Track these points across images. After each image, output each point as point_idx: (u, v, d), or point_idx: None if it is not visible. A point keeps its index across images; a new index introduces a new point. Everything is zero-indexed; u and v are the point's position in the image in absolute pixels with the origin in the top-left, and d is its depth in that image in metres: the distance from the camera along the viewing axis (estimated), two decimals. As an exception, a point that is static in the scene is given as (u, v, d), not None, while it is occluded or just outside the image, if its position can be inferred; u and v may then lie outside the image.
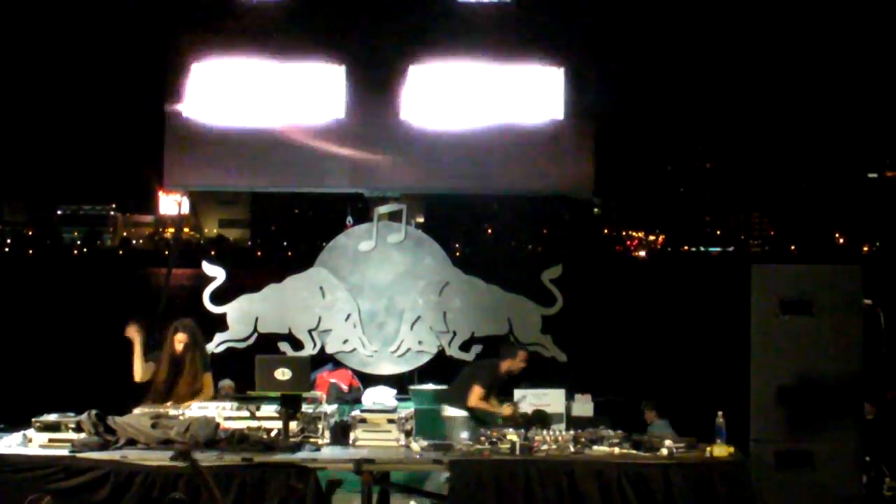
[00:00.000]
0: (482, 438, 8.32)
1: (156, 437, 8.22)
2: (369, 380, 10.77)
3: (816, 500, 8.05)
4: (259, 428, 8.46)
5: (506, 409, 9.36)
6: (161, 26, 11.22)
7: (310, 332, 10.91)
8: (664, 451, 8.09)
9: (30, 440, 8.28)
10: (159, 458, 7.93)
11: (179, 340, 9.30)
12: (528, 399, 9.45)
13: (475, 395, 9.58)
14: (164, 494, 7.61)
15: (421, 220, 11.55)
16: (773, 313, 8.18)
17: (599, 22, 11.10)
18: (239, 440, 8.24)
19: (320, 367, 10.75)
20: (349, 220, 11.46)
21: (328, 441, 8.46)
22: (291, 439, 8.31)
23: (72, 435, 8.24)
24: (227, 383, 9.91)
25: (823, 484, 8.03)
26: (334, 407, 9.21)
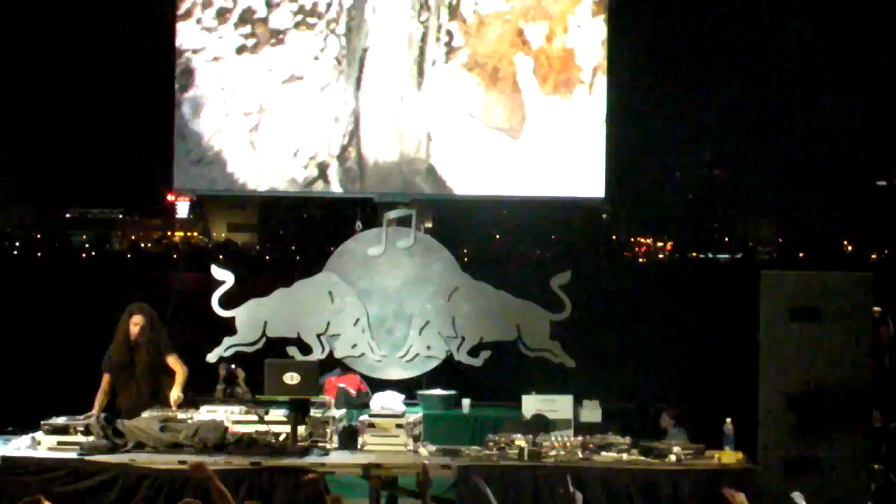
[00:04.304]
0: (490, 444, 8.32)
1: (164, 440, 8.24)
2: (377, 384, 10.75)
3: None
4: (267, 432, 8.48)
5: None
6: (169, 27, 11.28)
7: (318, 336, 10.91)
8: (672, 458, 8.08)
9: (38, 443, 8.31)
10: (167, 462, 7.96)
11: (136, 323, 9.19)
12: (536, 405, 9.46)
13: None
14: (172, 498, 7.62)
15: (429, 224, 11.55)
16: (781, 320, 8.18)
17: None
18: (247, 444, 8.26)
19: (329, 371, 10.75)
20: (358, 224, 11.46)
21: (336, 445, 8.47)
22: (300, 443, 8.33)
23: (80, 438, 8.26)
24: (238, 371, 9.95)
25: (831, 491, 8.02)
26: (342, 411, 9.23)
